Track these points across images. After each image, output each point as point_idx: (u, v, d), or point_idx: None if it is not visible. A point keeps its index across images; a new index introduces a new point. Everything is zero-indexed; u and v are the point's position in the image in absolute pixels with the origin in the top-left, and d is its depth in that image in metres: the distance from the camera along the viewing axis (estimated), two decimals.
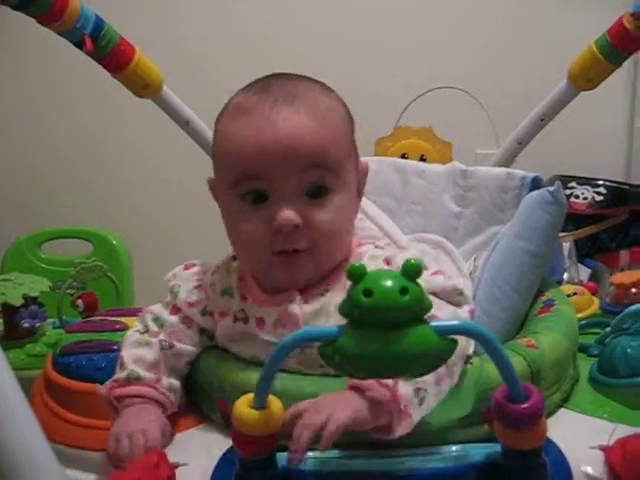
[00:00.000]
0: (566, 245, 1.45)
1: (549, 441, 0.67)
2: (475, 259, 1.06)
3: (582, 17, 1.95)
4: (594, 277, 1.45)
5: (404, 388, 0.65)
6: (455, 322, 0.54)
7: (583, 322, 1.04)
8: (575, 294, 1.11)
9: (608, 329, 0.93)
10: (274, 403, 0.59)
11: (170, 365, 0.83)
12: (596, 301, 1.15)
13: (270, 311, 0.81)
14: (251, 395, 0.59)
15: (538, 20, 2.03)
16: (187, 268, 0.90)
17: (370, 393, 0.65)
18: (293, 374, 0.75)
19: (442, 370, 0.67)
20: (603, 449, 0.67)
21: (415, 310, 0.51)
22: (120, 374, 0.81)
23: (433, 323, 0.52)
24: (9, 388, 0.59)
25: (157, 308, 0.87)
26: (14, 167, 2.13)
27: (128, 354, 0.82)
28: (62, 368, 0.87)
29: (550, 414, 0.78)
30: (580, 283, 1.35)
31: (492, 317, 0.95)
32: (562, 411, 0.81)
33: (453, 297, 0.77)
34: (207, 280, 0.87)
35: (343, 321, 0.53)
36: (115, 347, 0.87)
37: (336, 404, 0.65)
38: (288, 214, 0.77)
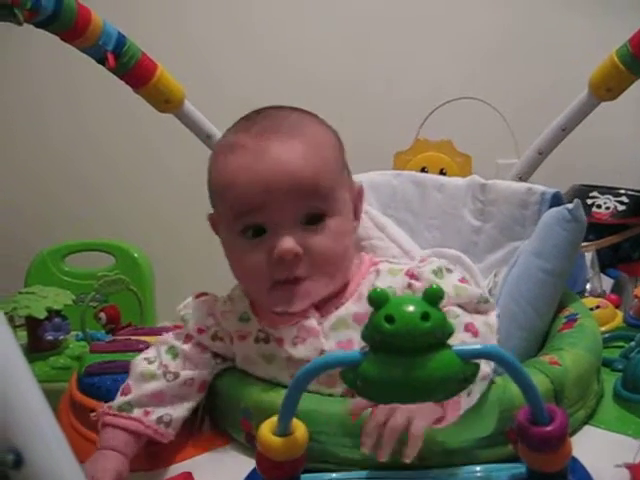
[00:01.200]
0: (588, 255, 1.43)
1: (574, 459, 0.67)
2: (495, 275, 1.05)
3: (601, 23, 1.94)
4: (617, 287, 1.44)
5: None
6: (478, 346, 0.53)
7: (607, 336, 1.03)
8: (598, 307, 1.11)
9: (632, 343, 0.92)
10: (299, 428, 0.59)
11: (177, 395, 0.83)
12: (619, 314, 1.14)
13: (287, 330, 0.82)
14: (275, 419, 0.59)
15: (557, 29, 2.02)
16: (197, 297, 0.91)
17: None
18: (313, 394, 0.75)
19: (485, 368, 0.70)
20: (629, 467, 0.66)
21: (437, 335, 0.51)
22: (117, 401, 0.81)
23: (455, 347, 0.51)
24: (37, 407, 0.60)
25: (171, 338, 0.88)
26: (35, 184, 2.14)
27: (132, 383, 0.83)
28: (86, 388, 0.88)
29: (575, 431, 0.78)
30: (603, 294, 1.34)
31: (509, 334, 0.94)
32: (587, 428, 0.80)
33: (480, 306, 0.79)
34: (217, 308, 0.88)
35: (360, 331, 0.53)
36: None
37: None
38: (288, 243, 0.78)
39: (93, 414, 0.81)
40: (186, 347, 0.86)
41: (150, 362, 0.85)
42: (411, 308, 0.50)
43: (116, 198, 2.14)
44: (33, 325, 1.28)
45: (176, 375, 0.83)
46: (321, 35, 2.08)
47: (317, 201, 0.81)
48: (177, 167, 2.08)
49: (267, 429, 0.59)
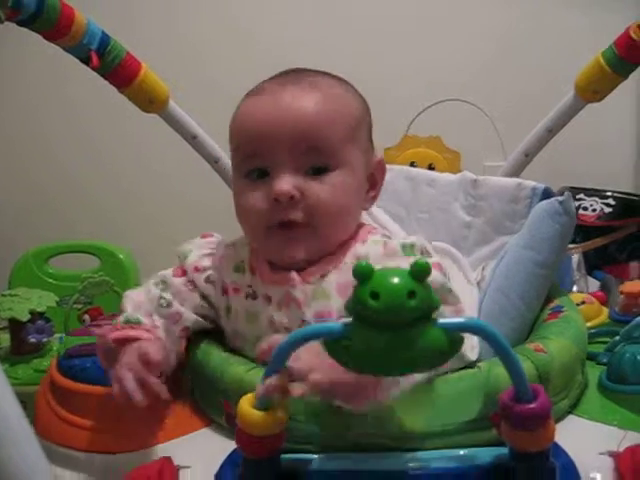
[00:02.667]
0: (575, 257, 1.44)
1: (558, 447, 0.66)
2: (483, 268, 1.05)
3: (588, 26, 1.95)
4: (603, 289, 1.44)
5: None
6: (462, 320, 0.53)
7: (592, 331, 1.03)
8: (584, 303, 1.10)
9: (617, 337, 0.92)
10: (278, 402, 0.58)
11: (167, 330, 0.84)
12: (605, 310, 1.14)
13: (275, 290, 0.83)
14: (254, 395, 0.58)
15: (545, 32, 2.04)
16: (203, 237, 0.93)
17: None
18: None
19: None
20: (613, 455, 0.66)
21: (423, 311, 0.50)
22: (119, 319, 0.83)
23: (440, 321, 0.51)
24: (9, 408, 0.59)
25: (162, 272, 0.90)
26: (20, 182, 2.12)
27: (127, 303, 0.85)
28: (66, 370, 0.87)
29: (558, 420, 0.77)
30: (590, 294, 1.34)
31: (499, 326, 0.93)
32: (571, 417, 0.79)
33: (443, 294, 0.77)
34: (219, 252, 0.90)
35: (342, 303, 0.52)
36: None
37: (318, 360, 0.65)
38: (284, 185, 0.80)
39: (100, 335, 0.81)
40: (177, 281, 0.88)
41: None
42: (397, 285, 0.49)
43: (102, 199, 2.14)
44: (16, 327, 1.27)
45: (169, 303, 0.85)
46: (313, 33, 2.08)
47: (322, 153, 0.82)
48: (165, 169, 2.08)
49: (247, 403, 0.58)
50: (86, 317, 1.37)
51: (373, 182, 0.91)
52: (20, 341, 1.27)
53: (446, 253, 1.08)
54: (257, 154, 0.82)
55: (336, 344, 0.51)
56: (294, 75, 0.87)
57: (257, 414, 0.57)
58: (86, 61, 1.20)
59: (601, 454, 0.66)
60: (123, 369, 0.74)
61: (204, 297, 0.88)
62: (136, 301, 0.85)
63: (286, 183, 0.80)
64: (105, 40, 1.21)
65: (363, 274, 0.50)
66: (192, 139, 1.37)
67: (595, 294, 1.23)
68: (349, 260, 0.83)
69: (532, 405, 0.54)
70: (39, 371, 1.24)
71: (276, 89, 0.84)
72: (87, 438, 0.80)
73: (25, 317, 1.26)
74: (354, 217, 0.87)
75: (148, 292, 0.87)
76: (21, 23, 1.10)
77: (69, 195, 2.13)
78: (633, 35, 1.20)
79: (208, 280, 0.88)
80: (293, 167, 0.81)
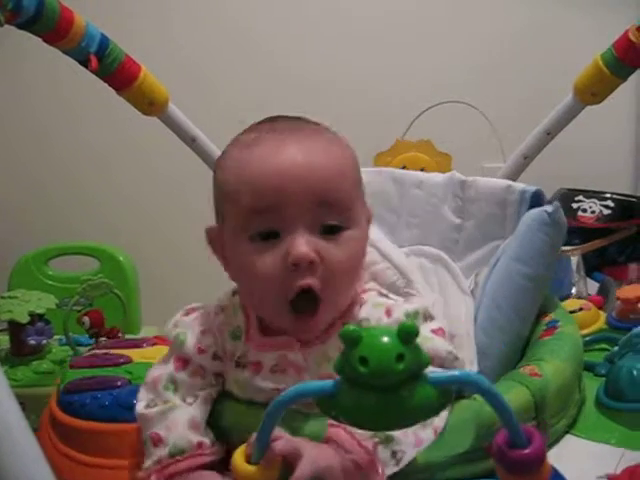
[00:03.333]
0: (574, 259, 1.44)
1: (555, 471, 0.66)
2: (476, 275, 1.04)
3: (588, 29, 1.95)
4: (602, 291, 1.44)
5: (383, 452, 0.65)
6: (453, 373, 0.54)
7: (589, 338, 1.03)
8: (581, 309, 1.11)
9: (616, 348, 0.91)
10: (271, 455, 0.59)
11: (204, 417, 0.78)
12: (602, 316, 1.14)
13: (268, 356, 0.78)
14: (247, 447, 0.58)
15: (543, 33, 2.03)
16: (188, 314, 0.85)
17: (350, 455, 0.65)
18: (294, 413, 0.73)
19: (420, 431, 0.68)
20: (611, 478, 0.66)
21: (412, 371, 0.50)
22: (160, 452, 0.75)
23: (430, 376, 0.51)
24: (12, 417, 0.59)
25: (162, 373, 0.81)
26: (20, 183, 2.12)
27: (159, 428, 0.76)
28: (66, 406, 0.86)
29: (556, 441, 0.78)
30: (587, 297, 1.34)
31: (492, 338, 0.94)
32: (568, 438, 0.80)
33: (447, 363, 0.74)
34: (214, 323, 0.83)
35: None
36: (119, 383, 0.86)
37: (314, 451, 0.65)
38: (303, 248, 0.73)
39: (144, 476, 0.75)
40: (183, 376, 0.80)
41: (156, 405, 0.79)
42: (385, 348, 0.49)
43: (102, 201, 2.13)
44: (16, 329, 1.27)
45: (195, 395, 0.79)
46: (308, 36, 2.08)
47: (336, 209, 0.76)
48: (165, 170, 2.07)
49: (240, 457, 0.58)
50: (85, 319, 1.37)
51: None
52: (20, 343, 1.27)
53: (439, 261, 1.07)
54: (268, 215, 0.74)
55: (327, 403, 0.51)
56: (287, 123, 0.80)
57: (249, 469, 0.57)
58: (85, 64, 1.20)
59: (599, 478, 0.66)
60: None
61: (218, 376, 0.82)
62: (168, 423, 0.76)
63: (305, 245, 0.73)
64: (104, 43, 1.20)
65: (351, 339, 0.50)
66: (191, 142, 1.37)
67: (592, 298, 1.23)
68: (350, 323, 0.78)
69: (526, 451, 0.54)
70: (38, 373, 1.25)
71: (279, 137, 0.77)
72: (86, 474, 0.80)
73: (25, 319, 1.26)
74: (360, 278, 0.83)
75: (173, 407, 0.77)
76: (20, 26, 1.09)
77: (69, 197, 2.13)
78: (632, 37, 1.20)
79: (215, 357, 0.81)
80: (307, 226, 0.74)
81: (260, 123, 0.82)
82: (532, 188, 1.04)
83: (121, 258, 1.64)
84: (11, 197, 2.12)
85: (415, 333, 0.50)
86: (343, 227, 0.77)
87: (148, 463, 0.75)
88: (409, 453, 0.67)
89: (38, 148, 2.12)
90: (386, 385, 0.49)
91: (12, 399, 0.60)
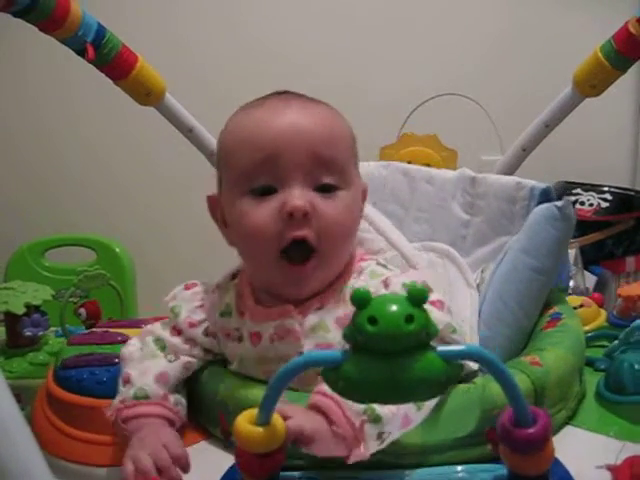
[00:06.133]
0: (572, 252, 1.43)
1: (556, 461, 0.66)
2: (483, 270, 1.04)
3: (586, 22, 1.94)
4: (600, 284, 1.44)
5: (369, 431, 0.66)
6: (461, 347, 0.53)
7: (590, 335, 1.03)
8: (582, 306, 1.10)
9: (616, 342, 0.91)
10: (276, 419, 0.58)
11: (177, 378, 0.82)
12: (603, 313, 1.13)
13: (266, 325, 0.80)
14: (251, 412, 0.57)
15: (542, 26, 2.03)
16: (187, 288, 0.88)
17: (336, 428, 0.65)
18: (289, 391, 0.72)
19: (412, 412, 0.68)
20: (610, 469, 0.66)
21: (421, 337, 0.50)
22: (126, 393, 0.79)
23: (439, 348, 0.51)
24: (7, 410, 0.59)
25: (157, 329, 0.86)
26: (17, 175, 2.12)
27: (132, 370, 0.81)
28: (63, 382, 0.86)
29: (555, 432, 0.77)
30: (586, 291, 1.34)
31: (495, 332, 0.95)
32: (568, 429, 0.79)
33: (446, 335, 0.75)
34: (209, 299, 0.86)
35: (341, 335, 0.52)
36: (117, 360, 0.86)
37: (304, 415, 0.66)
38: (299, 199, 0.76)
39: (109, 413, 0.78)
40: (175, 340, 0.84)
41: (142, 350, 0.83)
42: (395, 309, 0.49)
43: (99, 193, 2.13)
44: (12, 321, 1.26)
45: (177, 356, 0.82)
46: (308, 28, 2.08)
47: (333, 170, 0.79)
48: (162, 163, 2.07)
49: (244, 420, 0.57)
50: (82, 310, 1.36)
51: (360, 209, 0.88)
52: (15, 334, 1.26)
53: (446, 255, 1.07)
54: (265, 170, 0.78)
55: (334, 373, 0.51)
56: (287, 94, 0.85)
57: (256, 430, 0.57)
58: (82, 53, 1.19)
59: (598, 467, 0.66)
60: (142, 455, 0.69)
61: (207, 350, 0.85)
62: (142, 367, 0.81)
63: (300, 198, 0.76)
64: (101, 32, 1.19)
65: (361, 300, 0.50)
66: (188, 132, 1.36)
67: (593, 296, 1.23)
68: (347, 292, 0.80)
69: (531, 430, 0.54)
70: (34, 364, 1.24)
71: (274, 104, 0.81)
72: (82, 450, 0.80)
73: (21, 310, 1.25)
74: (353, 240, 0.85)
75: (152, 355, 0.82)
76: (16, 14, 1.08)
77: (66, 188, 2.13)
78: (632, 29, 1.19)
79: (207, 333, 0.85)
80: (302, 182, 0.78)
81: (274, 93, 0.86)
82: (541, 185, 1.05)
83: (118, 250, 1.64)
84: (8, 189, 2.11)
85: (425, 296, 0.50)
86: (337, 187, 0.80)
87: (115, 401, 0.79)
88: (394, 434, 0.67)
89: (35, 140, 2.12)
90: (394, 349, 0.49)
91: (7, 390, 0.59)
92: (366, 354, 0.50)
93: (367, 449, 0.65)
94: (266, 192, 0.78)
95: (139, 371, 0.80)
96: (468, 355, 0.53)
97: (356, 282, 0.82)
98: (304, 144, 0.78)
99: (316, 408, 0.67)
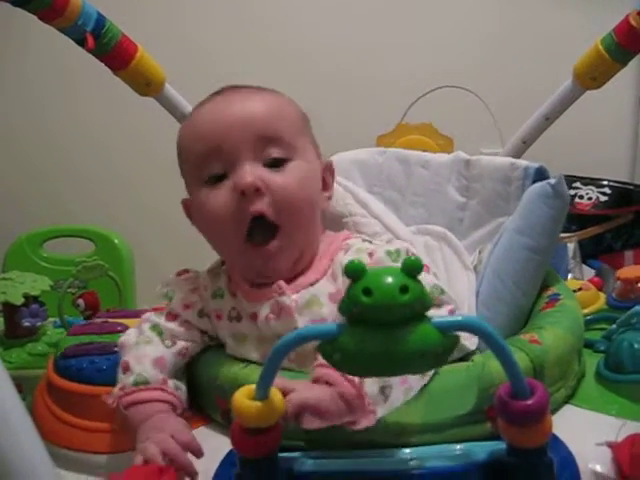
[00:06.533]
0: (570, 246, 1.44)
1: (556, 438, 0.66)
2: (480, 252, 1.04)
3: (587, 15, 1.94)
4: (599, 277, 1.44)
5: (370, 387, 0.66)
6: (457, 318, 0.52)
7: (589, 317, 1.03)
8: (581, 289, 1.10)
9: (614, 325, 0.91)
10: (274, 393, 0.58)
11: (174, 363, 0.82)
12: (602, 296, 1.13)
13: (261, 305, 0.81)
14: (250, 387, 0.57)
15: (543, 19, 2.03)
16: (179, 274, 0.91)
17: (338, 388, 0.65)
18: (286, 371, 0.74)
19: (414, 379, 0.69)
20: (611, 446, 0.66)
21: (416, 308, 0.50)
22: (126, 380, 0.79)
23: (434, 319, 0.51)
24: (6, 393, 0.59)
25: (153, 316, 0.86)
26: (16, 165, 2.13)
27: (130, 357, 0.81)
28: (63, 371, 0.86)
29: (555, 410, 0.77)
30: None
31: (495, 312, 0.94)
32: (568, 407, 0.79)
33: (434, 297, 0.76)
34: (200, 283, 0.88)
35: (335, 310, 0.52)
36: (116, 349, 0.86)
37: (304, 386, 0.66)
38: (248, 176, 0.78)
39: (110, 401, 0.78)
40: (171, 325, 0.85)
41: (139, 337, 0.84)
42: (389, 280, 0.49)
43: (98, 184, 2.13)
44: (10, 311, 1.26)
45: (173, 342, 0.83)
46: (309, 19, 2.08)
47: (278, 143, 0.81)
48: (162, 154, 2.05)
49: (243, 395, 0.57)
50: (80, 301, 1.36)
51: (325, 183, 0.90)
52: (14, 325, 1.26)
53: (442, 238, 1.07)
54: (214, 158, 0.81)
55: (330, 346, 0.51)
56: (229, 89, 0.87)
57: (255, 404, 0.56)
58: (82, 43, 1.19)
59: (599, 444, 0.66)
60: (151, 446, 0.69)
61: (203, 332, 0.86)
62: (139, 354, 0.81)
63: (249, 175, 0.78)
64: (101, 22, 1.19)
65: (355, 272, 0.50)
66: None
67: (592, 280, 1.23)
68: (336, 268, 0.82)
69: (529, 402, 0.54)
70: (33, 355, 1.24)
71: (220, 99, 0.85)
72: (83, 438, 0.80)
73: (19, 301, 1.24)
74: (317, 212, 0.87)
75: (149, 341, 0.83)
76: (16, 3, 1.08)
77: (64, 179, 2.13)
78: (633, 22, 1.19)
79: (202, 314, 0.86)
80: (250, 160, 0.80)
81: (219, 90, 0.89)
82: (535, 164, 1.04)
83: (116, 241, 1.64)
84: (7, 179, 2.12)
85: (419, 267, 0.50)
86: (287, 159, 0.82)
87: (115, 389, 0.79)
88: (397, 390, 0.68)
89: (35, 131, 2.12)
90: (390, 320, 0.49)
91: (8, 381, 0.59)
92: (362, 326, 0.50)
93: (373, 409, 0.66)
94: (219, 179, 0.81)
95: (137, 358, 0.81)
96: (464, 325, 0.53)
97: (343, 259, 0.82)
98: (246, 126, 0.80)
99: (317, 379, 0.67)
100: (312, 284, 0.82)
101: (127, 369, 0.80)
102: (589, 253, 1.54)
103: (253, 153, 0.80)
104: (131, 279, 1.61)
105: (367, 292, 0.49)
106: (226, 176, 0.81)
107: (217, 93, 0.87)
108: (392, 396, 0.67)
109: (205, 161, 0.81)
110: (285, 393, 0.62)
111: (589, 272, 1.48)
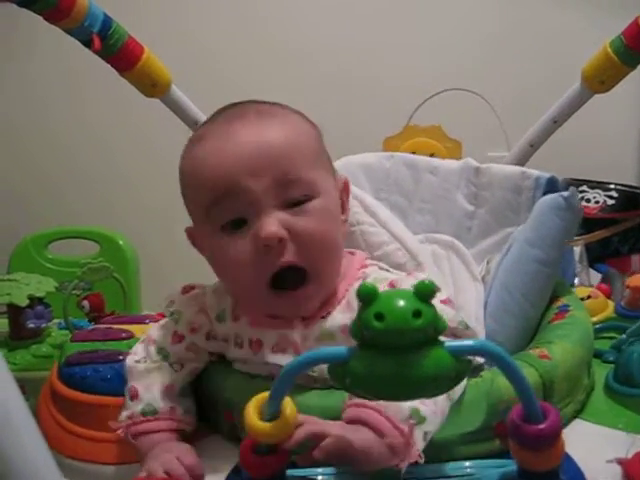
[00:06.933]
0: (577, 249, 1.43)
1: (567, 456, 0.65)
2: (488, 262, 1.04)
3: (596, 14, 1.93)
4: (605, 282, 1.43)
5: (418, 433, 0.64)
6: (470, 343, 0.51)
7: (598, 326, 1.02)
8: (589, 297, 1.10)
9: (624, 335, 0.91)
10: (284, 410, 0.57)
11: (183, 385, 0.81)
12: (611, 304, 1.13)
13: (268, 334, 0.79)
14: (259, 403, 0.57)
15: (549, 21, 2.02)
16: (185, 292, 0.87)
17: (388, 440, 0.63)
18: (298, 386, 0.73)
19: (447, 405, 0.67)
20: (621, 462, 0.65)
21: (429, 332, 0.49)
22: (134, 407, 0.78)
23: (447, 344, 0.50)
24: (10, 395, 0.58)
25: (159, 338, 0.84)
26: (21, 166, 2.13)
27: (139, 384, 0.80)
28: (67, 379, 0.86)
29: (564, 426, 0.75)
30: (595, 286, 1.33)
31: (502, 324, 0.94)
32: (577, 422, 0.79)
33: (458, 331, 0.75)
34: (207, 302, 0.84)
35: (349, 343, 0.51)
36: (121, 357, 0.85)
37: (346, 429, 0.63)
38: (271, 227, 0.73)
39: (119, 431, 0.77)
40: (177, 348, 0.82)
41: (145, 362, 0.82)
42: (402, 305, 0.48)
43: (103, 185, 2.13)
44: (15, 313, 1.25)
45: (182, 365, 0.82)
46: (315, 21, 2.08)
47: (296, 185, 0.75)
48: (166, 156, 2.05)
49: (253, 411, 0.56)
50: (85, 303, 1.36)
51: (343, 207, 0.85)
52: (19, 326, 1.25)
53: (450, 246, 1.06)
54: (229, 203, 0.75)
55: (341, 369, 0.50)
56: (233, 109, 0.81)
57: (265, 425, 0.56)
58: (88, 44, 1.18)
59: (609, 462, 0.65)
60: (156, 467, 0.69)
61: (211, 353, 0.84)
62: (148, 382, 0.79)
63: (272, 225, 0.73)
64: (107, 23, 1.19)
65: (368, 296, 0.48)
66: (194, 124, 1.35)
67: (600, 287, 1.22)
68: (351, 299, 0.78)
69: (541, 426, 0.53)
70: (37, 356, 1.23)
71: (225, 127, 0.77)
72: (88, 448, 0.80)
73: (24, 302, 1.24)
74: (341, 245, 0.82)
75: (158, 367, 0.81)
76: (22, 4, 1.07)
77: (69, 181, 2.13)
78: None
79: (209, 336, 0.83)
80: (271, 206, 0.74)
81: (211, 116, 0.84)
82: (546, 175, 1.04)
83: (121, 242, 1.63)
84: (12, 180, 2.12)
85: (432, 291, 0.49)
86: (307, 198, 0.76)
87: (123, 415, 0.78)
88: (434, 431, 0.66)
89: (39, 132, 2.12)
90: (402, 344, 0.48)
91: (12, 383, 0.59)
92: (373, 350, 0.49)
93: (418, 451, 0.63)
94: (237, 225, 0.76)
95: (145, 385, 0.79)
96: (477, 350, 0.52)
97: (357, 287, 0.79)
98: (263, 167, 0.74)
99: (357, 421, 0.64)
100: (324, 316, 0.78)
101: (135, 396, 0.79)
102: (596, 257, 1.53)
103: (273, 198, 0.74)
104: (136, 280, 1.61)
105: (379, 317, 0.48)
106: (245, 221, 0.75)
107: (224, 120, 0.80)
108: (429, 435, 0.65)
109: (220, 208, 0.76)
110: (323, 437, 0.61)
111: (596, 276, 1.47)
